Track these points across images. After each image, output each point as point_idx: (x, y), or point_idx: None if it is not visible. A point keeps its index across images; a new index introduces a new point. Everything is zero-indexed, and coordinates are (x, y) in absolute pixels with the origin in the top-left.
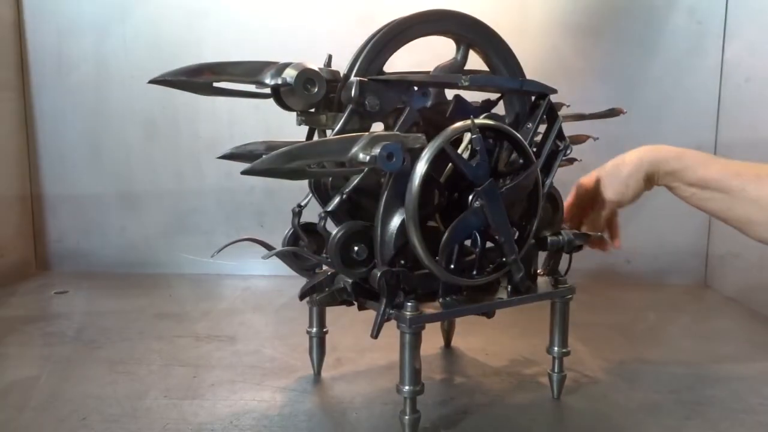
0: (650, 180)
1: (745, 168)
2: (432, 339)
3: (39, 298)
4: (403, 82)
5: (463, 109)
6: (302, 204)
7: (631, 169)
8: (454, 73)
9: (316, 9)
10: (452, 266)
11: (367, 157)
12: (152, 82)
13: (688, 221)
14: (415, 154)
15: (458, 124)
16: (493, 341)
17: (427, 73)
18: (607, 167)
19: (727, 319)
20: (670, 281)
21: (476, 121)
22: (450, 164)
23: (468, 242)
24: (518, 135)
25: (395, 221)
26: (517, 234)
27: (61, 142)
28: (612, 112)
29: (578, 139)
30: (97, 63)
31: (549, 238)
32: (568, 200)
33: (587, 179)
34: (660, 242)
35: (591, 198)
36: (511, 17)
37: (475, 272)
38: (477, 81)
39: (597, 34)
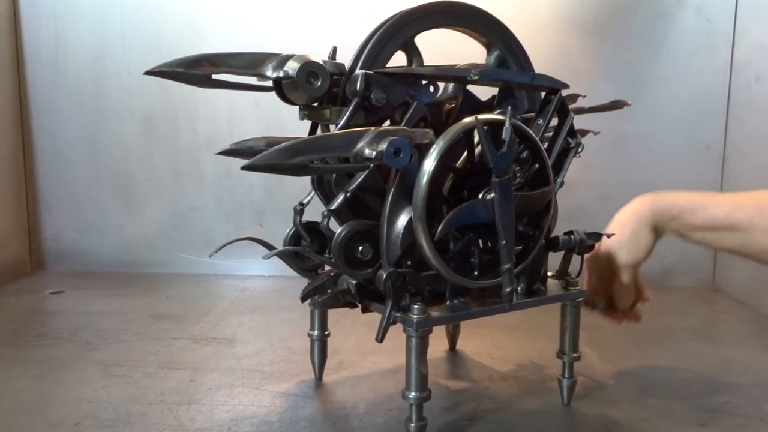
0: (657, 231)
1: (746, 199)
2: (436, 342)
3: (34, 298)
4: (411, 75)
5: (472, 104)
6: (304, 202)
7: (633, 227)
8: None
9: (321, 5)
10: (460, 267)
11: (373, 153)
12: (148, 73)
13: None
14: (422, 150)
15: (493, 114)
16: (499, 344)
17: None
18: (610, 241)
19: (737, 323)
20: (677, 283)
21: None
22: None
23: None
24: (539, 142)
25: (402, 220)
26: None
27: (58, 139)
28: (616, 104)
29: (579, 134)
30: (94, 59)
31: (560, 238)
32: (585, 278)
33: (595, 254)
34: (667, 242)
35: (607, 270)
36: (516, 14)
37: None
38: (487, 75)
39: (603, 31)
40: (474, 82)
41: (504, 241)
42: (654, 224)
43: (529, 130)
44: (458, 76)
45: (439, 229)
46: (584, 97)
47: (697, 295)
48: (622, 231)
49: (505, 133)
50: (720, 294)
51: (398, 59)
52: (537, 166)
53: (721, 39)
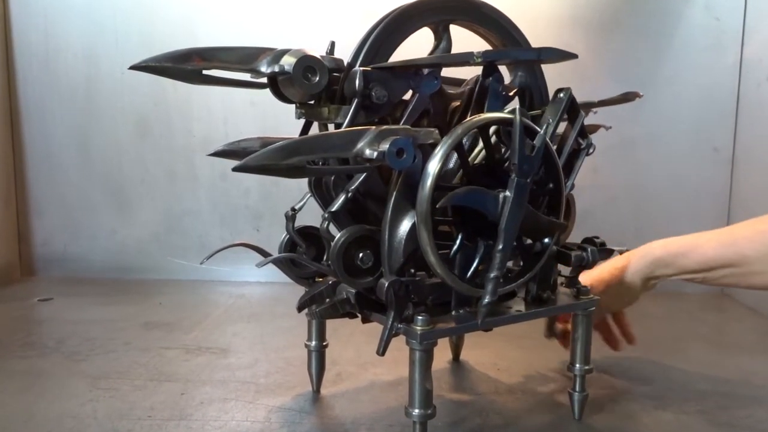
0: (648, 282)
1: (737, 232)
2: (439, 352)
3: (21, 306)
4: (410, 67)
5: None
6: (296, 207)
7: (627, 281)
8: None
9: (320, 3)
10: (467, 276)
11: (374, 153)
12: (133, 68)
13: (705, 225)
14: (427, 151)
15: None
16: (504, 355)
17: None
18: (600, 285)
19: (749, 331)
20: (686, 289)
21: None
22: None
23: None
24: (561, 172)
25: (405, 225)
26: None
27: (49, 141)
28: (627, 97)
29: (589, 130)
30: (86, 58)
31: (573, 254)
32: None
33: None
34: None
35: None
36: (520, 12)
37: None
38: (490, 56)
39: (609, 30)
40: (477, 65)
41: (501, 246)
42: (645, 278)
43: (556, 156)
44: (461, 61)
45: (443, 200)
46: (609, 128)
47: (707, 301)
48: (612, 284)
49: (538, 140)
50: (730, 300)
51: (398, 56)
52: (552, 189)
53: (730, 37)
